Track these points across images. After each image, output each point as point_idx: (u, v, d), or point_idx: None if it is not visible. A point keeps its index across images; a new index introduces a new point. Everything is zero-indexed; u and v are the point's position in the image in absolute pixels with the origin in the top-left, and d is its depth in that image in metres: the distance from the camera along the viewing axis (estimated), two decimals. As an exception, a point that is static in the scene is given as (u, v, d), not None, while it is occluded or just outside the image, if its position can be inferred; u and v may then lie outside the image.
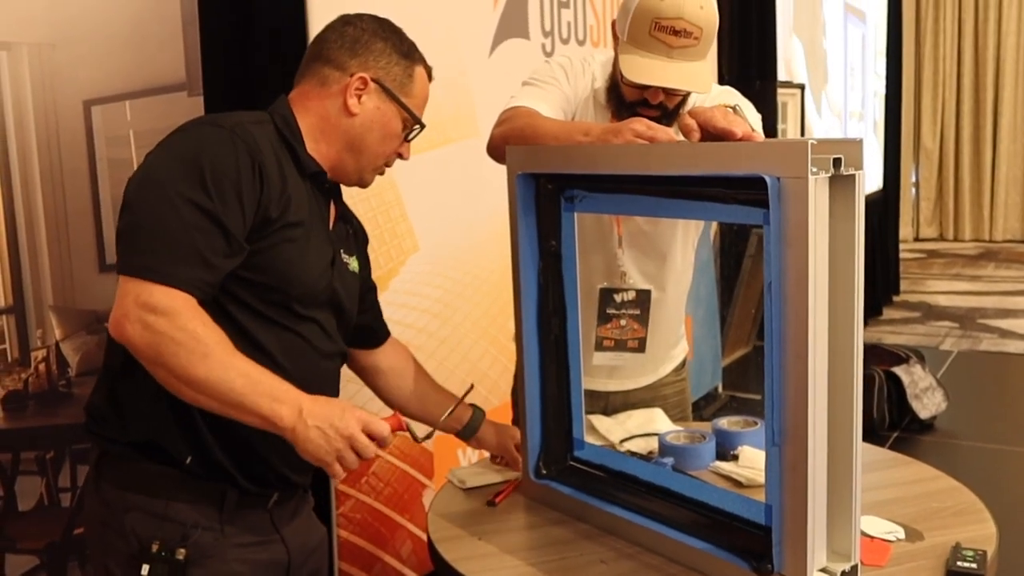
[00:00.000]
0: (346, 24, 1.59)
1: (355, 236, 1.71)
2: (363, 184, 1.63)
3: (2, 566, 1.93)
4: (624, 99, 1.87)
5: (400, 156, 1.64)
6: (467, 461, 2.78)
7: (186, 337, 1.32)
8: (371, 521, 2.53)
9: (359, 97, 1.54)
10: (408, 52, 1.60)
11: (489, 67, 2.82)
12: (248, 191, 1.40)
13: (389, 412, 1.56)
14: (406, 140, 1.62)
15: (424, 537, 1.66)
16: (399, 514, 2.61)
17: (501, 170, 1.70)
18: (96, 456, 1.50)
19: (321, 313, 1.55)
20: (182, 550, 1.42)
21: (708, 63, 1.82)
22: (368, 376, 1.82)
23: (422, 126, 1.62)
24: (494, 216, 2.29)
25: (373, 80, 1.55)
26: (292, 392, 1.36)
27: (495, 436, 1.84)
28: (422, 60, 1.62)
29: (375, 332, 1.80)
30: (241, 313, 1.44)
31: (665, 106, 1.85)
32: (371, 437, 1.37)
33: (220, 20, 2.15)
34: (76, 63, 1.91)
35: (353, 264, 1.66)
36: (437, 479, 2.68)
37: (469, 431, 1.82)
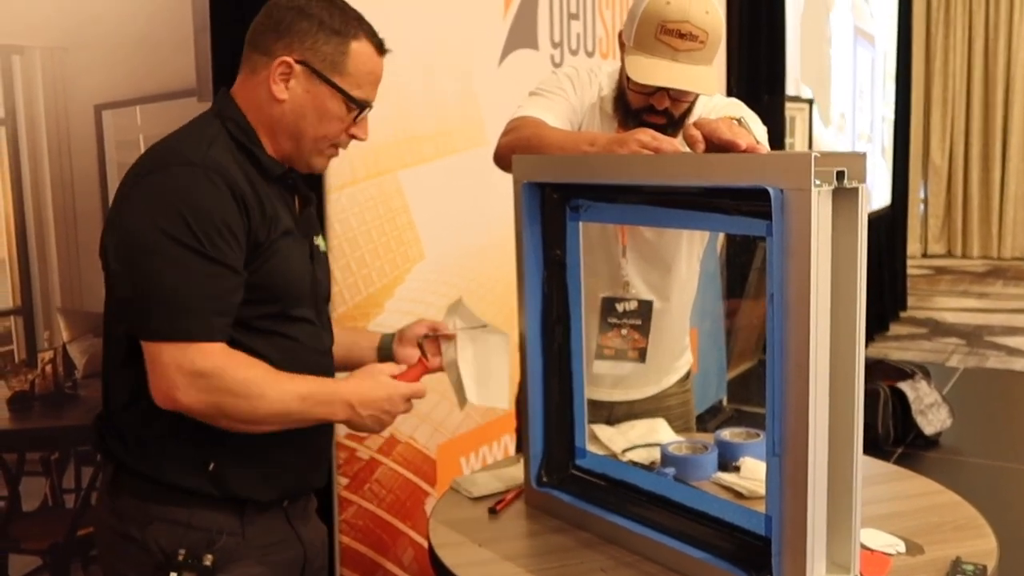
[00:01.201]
0: (274, 5, 1.50)
1: (316, 211, 1.69)
2: (313, 169, 1.57)
3: (5, 566, 1.94)
4: (630, 107, 1.88)
5: (355, 137, 1.55)
6: (469, 469, 2.79)
7: (240, 387, 1.37)
8: (373, 528, 2.53)
9: (285, 82, 1.46)
10: (341, 28, 1.48)
11: (498, 77, 2.84)
12: (235, 225, 1.38)
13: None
14: (356, 120, 1.53)
15: (426, 545, 1.66)
16: (401, 521, 2.61)
17: (508, 179, 1.71)
18: (111, 470, 1.50)
19: (310, 310, 1.54)
20: (209, 556, 1.43)
21: (713, 69, 1.84)
22: None
23: (360, 106, 1.51)
24: (500, 225, 2.30)
25: (298, 62, 1.45)
26: (340, 390, 1.47)
27: (401, 340, 1.74)
28: (364, 34, 1.50)
29: None
30: (236, 331, 1.42)
31: (671, 114, 1.86)
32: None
33: (231, 26, 2.15)
34: (87, 67, 1.93)
35: (322, 244, 1.64)
36: (440, 486, 2.68)
37: (385, 351, 1.73)
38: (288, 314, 1.49)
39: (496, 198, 2.16)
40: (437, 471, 2.71)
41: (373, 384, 1.49)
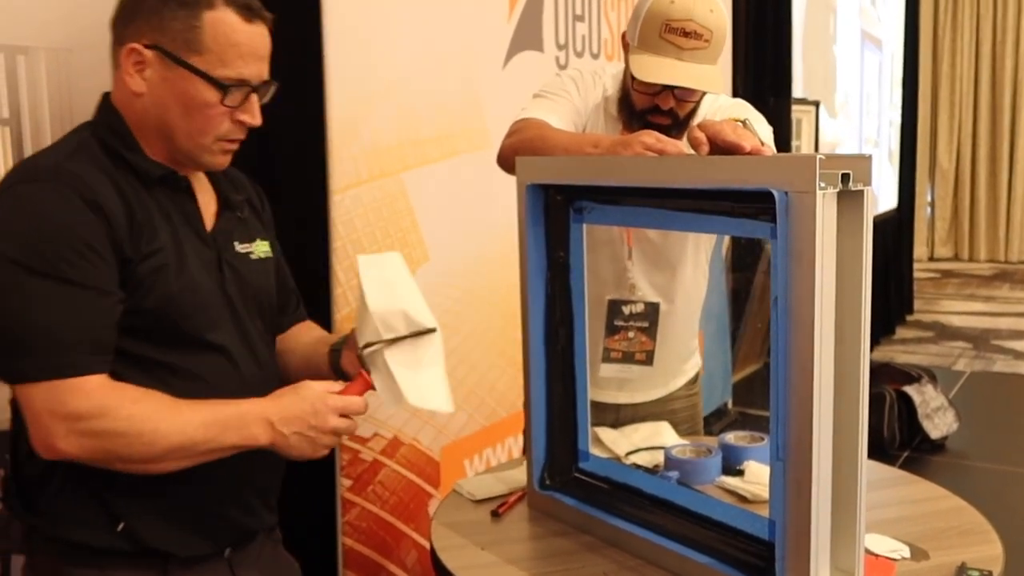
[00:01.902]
0: None
1: (256, 215, 1.52)
2: (210, 167, 1.39)
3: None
4: (635, 108, 1.88)
5: (245, 124, 1.35)
6: (473, 471, 2.78)
7: (128, 424, 1.22)
8: (376, 530, 2.53)
9: (140, 72, 1.28)
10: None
11: (503, 79, 2.83)
12: (97, 240, 1.22)
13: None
14: (238, 106, 1.32)
15: (429, 547, 1.66)
16: (404, 523, 2.61)
17: (511, 181, 1.70)
18: (24, 529, 1.38)
19: (225, 334, 1.36)
20: None
21: (719, 68, 1.84)
22: None
23: (224, 87, 1.29)
24: (505, 227, 2.29)
25: (149, 47, 1.27)
26: (254, 409, 1.28)
27: (349, 344, 1.56)
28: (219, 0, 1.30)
29: (281, 317, 1.61)
30: (122, 367, 1.27)
31: (676, 114, 1.86)
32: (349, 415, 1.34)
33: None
34: (93, 68, 1.93)
35: (260, 249, 1.47)
36: (443, 488, 2.67)
37: (335, 356, 1.55)
38: (189, 343, 1.32)
39: (500, 200, 2.16)
40: (441, 473, 2.71)
41: (294, 398, 1.31)
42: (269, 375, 1.45)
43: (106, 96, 1.37)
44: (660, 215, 1.53)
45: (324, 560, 2.43)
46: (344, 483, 2.41)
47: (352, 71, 2.30)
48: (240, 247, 1.43)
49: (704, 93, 1.89)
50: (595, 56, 3.28)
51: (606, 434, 1.98)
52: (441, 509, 1.77)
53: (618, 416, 2.12)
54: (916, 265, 8.69)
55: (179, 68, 1.28)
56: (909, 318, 7.92)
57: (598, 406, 2.07)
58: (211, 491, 1.37)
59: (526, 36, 2.94)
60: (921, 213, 10.59)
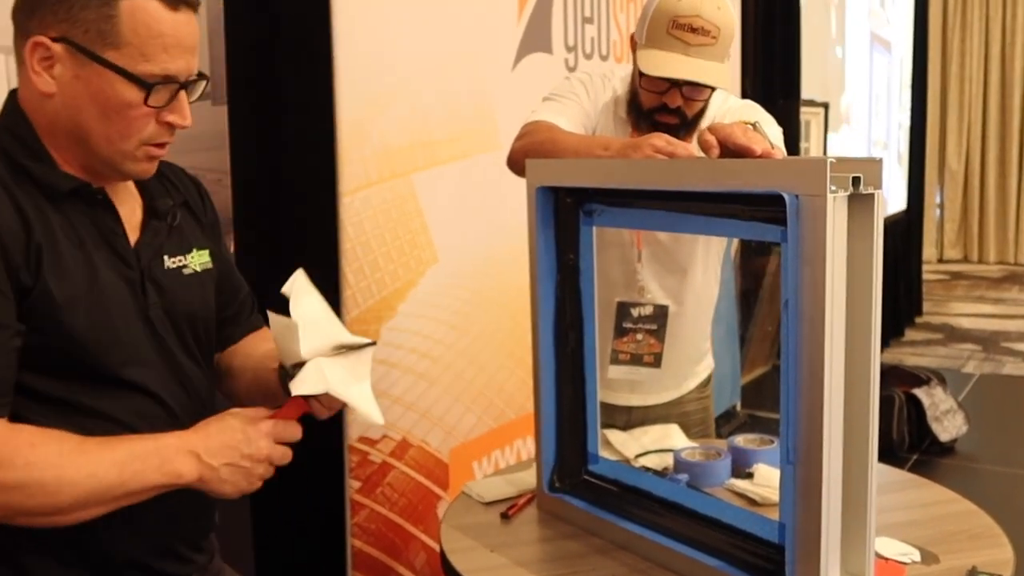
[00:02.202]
0: None
1: (195, 218, 1.35)
2: (132, 176, 1.22)
3: None
4: (642, 107, 1.89)
5: (174, 125, 1.19)
6: (482, 473, 2.78)
7: (26, 474, 1.06)
8: (385, 531, 2.53)
9: (48, 70, 1.12)
10: None
11: (512, 81, 2.84)
12: None
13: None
14: (165, 106, 1.15)
15: (438, 549, 1.66)
16: (413, 525, 2.61)
17: (521, 183, 1.71)
18: None
19: (147, 369, 1.21)
20: None
21: (726, 67, 1.84)
22: (217, 382, 1.45)
23: (147, 85, 1.13)
24: (514, 229, 2.29)
25: (57, 40, 1.10)
26: (175, 442, 1.14)
27: None
28: None
29: (232, 328, 1.46)
30: (27, 406, 1.12)
31: (684, 114, 1.87)
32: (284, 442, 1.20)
33: (245, 30, 2.17)
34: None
35: (196, 261, 1.31)
36: (452, 490, 2.68)
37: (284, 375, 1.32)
38: (104, 382, 1.17)
39: (510, 202, 2.16)
40: (450, 475, 2.71)
41: (220, 426, 1.16)
42: (205, 406, 1.29)
43: (12, 95, 1.19)
44: (670, 218, 1.53)
45: (333, 562, 2.44)
46: (353, 485, 2.41)
47: (361, 73, 2.31)
48: (171, 261, 1.27)
49: (711, 92, 1.89)
50: (604, 58, 3.28)
51: (615, 436, 1.98)
52: (450, 511, 1.77)
53: (629, 418, 2.12)
54: (925, 267, 8.67)
55: (93, 64, 1.11)
56: (918, 320, 7.90)
57: (609, 408, 2.07)
58: (131, 543, 1.21)
59: (535, 38, 2.94)
60: (930, 215, 10.56)
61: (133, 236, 1.24)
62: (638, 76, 1.87)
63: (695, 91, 1.84)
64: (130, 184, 1.26)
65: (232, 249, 2.19)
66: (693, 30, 1.77)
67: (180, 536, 1.30)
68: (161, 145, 1.20)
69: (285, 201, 2.28)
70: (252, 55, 2.20)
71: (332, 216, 2.29)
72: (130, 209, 1.25)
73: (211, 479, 1.15)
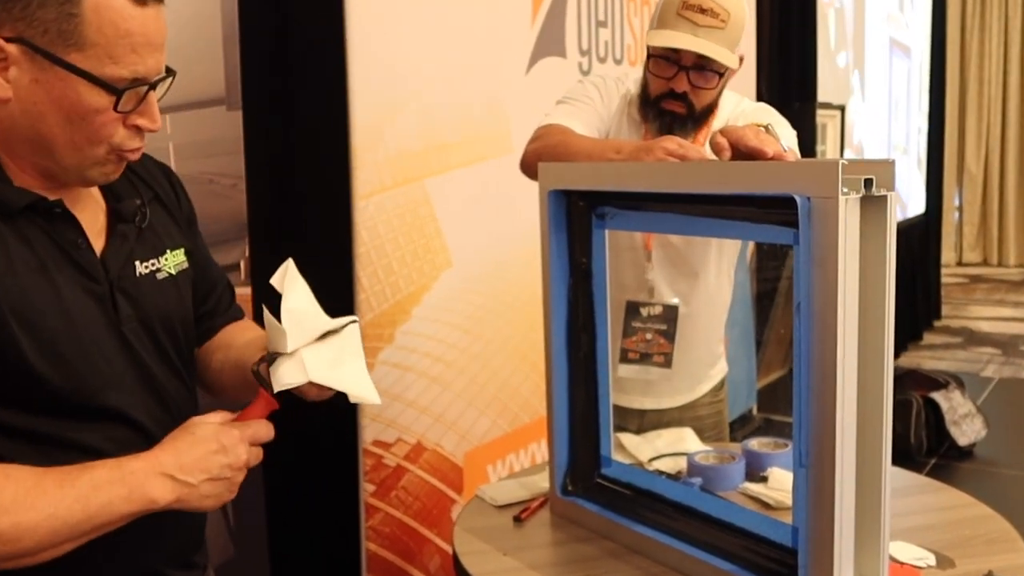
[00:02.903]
0: None
1: (168, 213, 1.25)
2: (97, 182, 1.12)
3: None
4: (650, 97, 1.89)
5: (144, 129, 1.10)
6: (496, 477, 2.78)
7: None
8: (400, 535, 2.53)
9: (3, 74, 1.02)
10: None
11: (525, 85, 2.84)
12: None
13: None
14: (133, 109, 1.06)
15: (451, 552, 1.66)
16: (427, 528, 2.61)
17: (534, 187, 1.71)
18: None
19: (124, 391, 1.12)
20: None
21: (734, 56, 1.85)
22: (198, 376, 1.37)
23: (116, 90, 1.03)
24: (527, 233, 2.30)
25: (12, 40, 1.00)
26: (143, 466, 1.04)
27: None
28: None
29: (211, 320, 1.38)
30: (10, 445, 1.04)
31: (691, 103, 1.87)
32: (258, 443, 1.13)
33: (259, 35, 2.18)
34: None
35: (171, 262, 1.22)
36: (466, 494, 2.68)
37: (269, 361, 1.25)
38: (75, 412, 1.08)
39: (523, 206, 2.16)
40: (464, 478, 2.71)
41: (192, 439, 1.07)
42: (189, 416, 1.19)
43: None
44: (682, 221, 1.52)
45: (348, 565, 2.44)
46: (367, 488, 2.42)
47: (375, 78, 2.32)
48: (143, 267, 1.17)
49: (719, 82, 1.88)
50: (618, 62, 3.28)
51: (629, 440, 1.98)
52: (464, 514, 1.77)
53: (643, 422, 2.11)
54: (944, 270, 8.61)
55: (55, 68, 1.01)
56: (937, 324, 7.84)
57: (623, 411, 2.07)
58: (114, 568, 1.13)
59: (549, 42, 2.95)
60: (949, 218, 10.49)
61: (99, 244, 1.14)
62: (646, 59, 1.89)
63: (702, 78, 1.85)
64: (90, 188, 1.17)
65: (246, 254, 2.20)
66: (702, 11, 1.80)
67: (168, 556, 1.22)
68: (132, 150, 1.11)
69: (299, 206, 2.29)
70: (267, 60, 2.21)
71: (346, 221, 2.30)
72: (92, 215, 1.15)
73: (190, 497, 1.06)
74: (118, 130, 1.07)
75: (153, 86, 1.08)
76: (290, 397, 1.20)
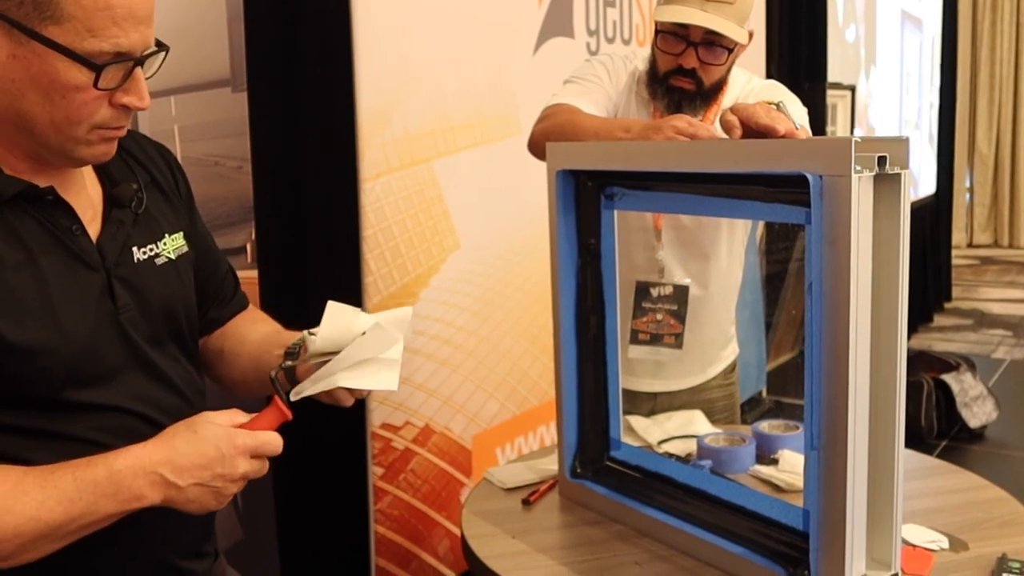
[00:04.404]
0: None
1: (165, 196, 1.21)
2: (87, 161, 1.08)
3: None
4: (659, 73, 1.87)
5: (130, 107, 1.04)
6: (504, 460, 2.78)
7: None
8: (408, 518, 2.53)
9: None
10: None
11: (533, 66, 2.82)
12: None
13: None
14: (118, 87, 1.01)
15: (460, 534, 1.65)
16: (436, 511, 2.61)
17: (542, 168, 1.69)
18: None
19: (122, 385, 1.09)
20: None
21: (743, 32, 1.84)
22: (203, 367, 1.34)
23: (95, 66, 0.98)
24: (536, 214, 2.28)
25: None
26: (135, 463, 0.99)
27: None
28: None
29: (217, 310, 1.35)
30: (11, 442, 1.01)
31: (700, 79, 1.85)
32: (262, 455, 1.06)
33: (265, 16, 2.16)
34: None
35: (170, 247, 1.18)
36: (475, 477, 2.67)
37: (293, 359, 1.22)
38: (74, 408, 1.05)
39: (531, 187, 2.14)
40: (472, 461, 2.70)
41: (192, 439, 1.01)
42: (194, 406, 1.17)
43: None
44: (692, 200, 1.51)
45: (356, 547, 2.44)
46: (376, 471, 2.41)
47: (381, 59, 2.30)
48: (140, 252, 1.13)
49: (728, 58, 1.86)
50: (626, 42, 3.25)
51: (638, 422, 1.97)
52: (472, 497, 1.76)
53: (655, 405, 2.10)
54: (954, 252, 8.56)
55: (32, 43, 0.96)
56: (947, 305, 7.81)
57: (634, 395, 2.06)
58: (119, 561, 1.10)
59: (556, 22, 2.92)
60: (960, 199, 10.42)
61: (94, 231, 1.10)
62: (654, 35, 1.87)
63: (711, 54, 1.83)
64: (87, 169, 1.13)
65: (252, 237, 2.19)
66: None
67: (178, 548, 1.19)
68: (117, 128, 1.06)
69: (306, 188, 2.28)
70: (272, 41, 2.20)
71: (353, 203, 2.29)
72: (87, 201, 1.11)
73: (176, 500, 1.01)
74: (101, 108, 1.02)
75: (140, 62, 1.02)
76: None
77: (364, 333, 1.15)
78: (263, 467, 1.06)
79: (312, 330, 1.17)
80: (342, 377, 1.14)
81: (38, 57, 0.97)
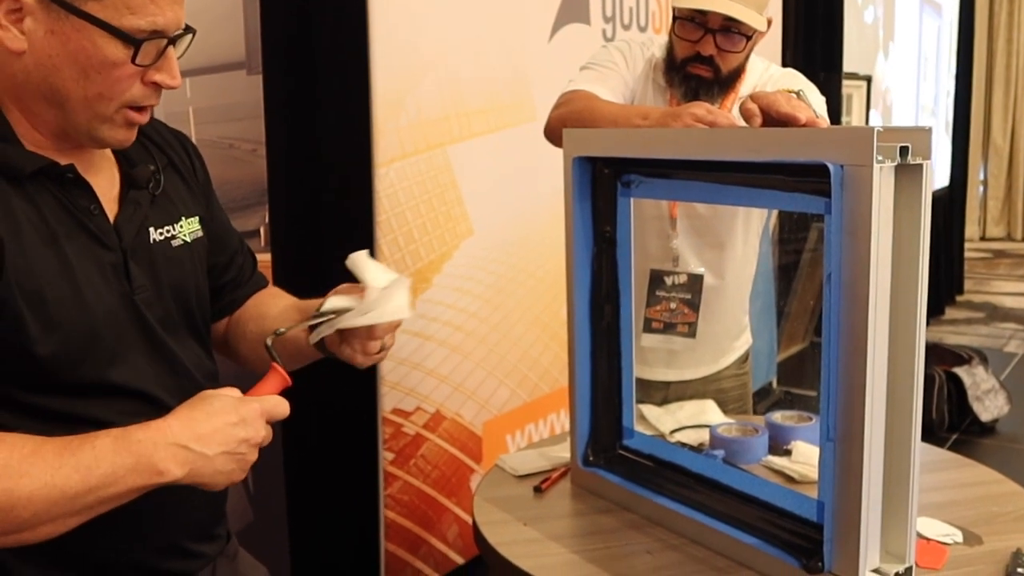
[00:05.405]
0: None
1: (182, 180, 1.23)
2: (107, 144, 1.09)
3: None
4: (676, 60, 1.86)
5: (161, 86, 1.06)
6: (515, 447, 2.78)
7: None
8: (418, 503, 2.53)
9: (18, 25, 0.99)
10: None
11: (549, 52, 2.80)
12: None
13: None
14: (152, 64, 1.03)
15: (471, 521, 1.65)
16: (446, 497, 2.61)
17: (558, 155, 1.68)
18: None
19: (135, 367, 1.09)
20: None
21: (762, 18, 1.82)
22: (227, 350, 1.37)
23: (135, 41, 1.00)
24: (551, 201, 2.27)
25: None
26: (155, 435, 0.97)
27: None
28: None
29: (234, 292, 1.35)
30: (24, 423, 1.00)
31: (718, 66, 1.83)
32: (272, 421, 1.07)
33: (281, -1, 2.16)
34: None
35: (186, 230, 1.19)
36: (485, 463, 2.67)
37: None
38: (87, 389, 1.05)
39: (546, 174, 2.13)
40: (483, 448, 2.71)
41: (209, 410, 1.01)
42: (205, 389, 1.13)
43: None
44: (710, 189, 1.49)
45: (366, 532, 2.45)
46: (386, 456, 2.42)
47: (397, 43, 2.29)
48: (157, 233, 1.15)
49: (746, 45, 1.85)
50: (643, 29, 3.23)
51: (650, 411, 1.96)
52: (483, 484, 1.76)
53: (667, 394, 2.10)
54: (967, 245, 8.52)
55: (72, 18, 0.98)
56: (959, 298, 7.77)
57: (647, 384, 2.06)
58: (129, 544, 1.10)
59: (573, 8, 2.90)
60: (973, 192, 10.36)
61: (112, 210, 1.11)
62: (672, 22, 1.85)
63: (729, 41, 1.81)
64: (106, 151, 1.14)
65: (266, 220, 2.19)
66: None
67: (190, 531, 1.19)
68: (143, 110, 1.07)
69: (320, 172, 2.27)
70: (287, 24, 2.19)
71: (367, 187, 2.28)
72: (107, 180, 1.12)
73: (203, 470, 0.99)
74: (134, 85, 1.04)
75: (172, 41, 1.05)
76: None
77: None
78: (271, 434, 1.06)
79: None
80: (357, 319, 1.16)
81: (77, 32, 0.99)
